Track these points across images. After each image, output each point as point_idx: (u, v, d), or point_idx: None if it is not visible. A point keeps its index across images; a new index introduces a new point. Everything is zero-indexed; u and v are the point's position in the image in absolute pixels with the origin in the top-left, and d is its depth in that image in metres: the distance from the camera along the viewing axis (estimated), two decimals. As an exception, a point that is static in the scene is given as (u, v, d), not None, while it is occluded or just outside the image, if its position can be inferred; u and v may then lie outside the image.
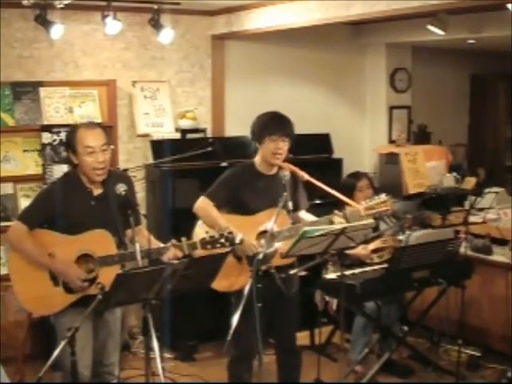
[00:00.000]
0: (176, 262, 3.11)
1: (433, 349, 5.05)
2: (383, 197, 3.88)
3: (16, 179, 4.97)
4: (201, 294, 3.90)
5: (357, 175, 5.01)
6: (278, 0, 4.95)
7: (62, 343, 2.91)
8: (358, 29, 6.42)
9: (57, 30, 4.79)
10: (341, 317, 3.96)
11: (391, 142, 6.59)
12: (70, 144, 3.41)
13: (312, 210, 3.98)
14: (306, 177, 3.91)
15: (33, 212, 3.40)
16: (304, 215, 3.89)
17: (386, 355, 4.51)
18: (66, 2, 4.61)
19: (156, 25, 5.15)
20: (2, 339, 4.61)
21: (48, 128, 4.96)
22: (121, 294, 2.98)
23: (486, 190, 5.32)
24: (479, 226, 5.08)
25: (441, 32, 4.99)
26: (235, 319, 3.43)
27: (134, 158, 5.46)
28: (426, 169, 6.20)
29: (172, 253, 3.35)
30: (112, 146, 3.53)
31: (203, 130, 5.65)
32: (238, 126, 5.63)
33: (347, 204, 4.10)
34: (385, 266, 4.34)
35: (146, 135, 5.42)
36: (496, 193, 5.32)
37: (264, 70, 6.06)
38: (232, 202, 3.77)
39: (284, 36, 5.74)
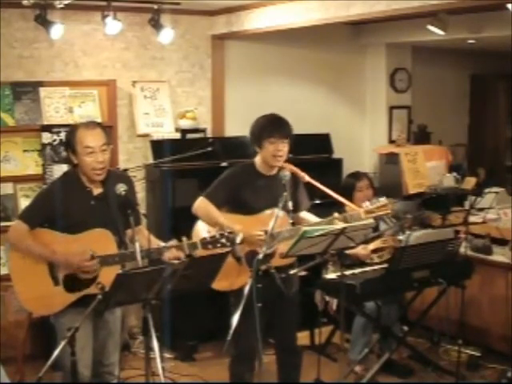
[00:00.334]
0: (176, 261, 3.11)
1: (433, 349, 5.05)
2: (383, 200, 3.89)
3: (16, 179, 4.97)
4: (201, 294, 3.90)
5: (357, 175, 5.01)
6: (278, 0, 4.95)
7: (62, 343, 2.91)
8: (357, 29, 6.42)
9: (57, 30, 4.79)
10: (341, 317, 3.96)
11: (391, 142, 6.59)
12: (69, 144, 3.41)
13: (312, 210, 3.98)
14: (307, 178, 3.91)
15: (33, 211, 3.40)
16: (305, 215, 3.88)
17: (386, 355, 4.51)
18: (66, 2, 4.61)
19: (156, 25, 5.15)
20: (2, 339, 4.61)
21: (48, 128, 4.97)
22: (121, 294, 2.98)
23: (486, 190, 5.32)
24: (479, 225, 5.09)
25: (441, 32, 4.99)
26: (235, 319, 3.43)
27: (134, 158, 5.46)
28: (426, 169, 6.20)
29: (172, 253, 3.35)
30: (111, 146, 3.53)
31: (203, 130, 5.65)
32: (238, 126, 5.63)
33: (347, 206, 4.11)
34: (385, 265, 4.34)
35: (146, 135, 5.43)
36: (496, 193, 5.32)
37: (264, 70, 6.06)
38: (232, 201, 3.77)
39: (284, 36, 5.74)
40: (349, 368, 4.51)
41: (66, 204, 3.33)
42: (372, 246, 4.60)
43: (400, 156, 6.10)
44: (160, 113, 5.51)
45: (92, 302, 3.00)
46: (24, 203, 4.81)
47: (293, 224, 3.66)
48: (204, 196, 3.75)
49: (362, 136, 6.72)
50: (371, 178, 5.16)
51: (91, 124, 3.49)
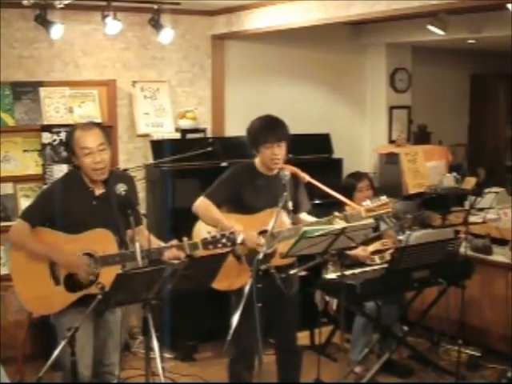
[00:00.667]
0: (176, 261, 3.11)
1: (433, 349, 5.05)
2: (384, 199, 3.88)
3: (16, 179, 4.97)
4: (201, 294, 3.90)
5: (357, 175, 5.01)
6: (278, 0, 4.95)
7: (62, 343, 2.91)
8: (357, 29, 6.42)
9: (57, 30, 4.79)
10: (341, 317, 3.96)
11: (391, 142, 6.59)
12: (68, 146, 3.43)
13: (312, 210, 3.97)
14: (308, 178, 3.91)
15: (35, 210, 3.41)
16: (305, 217, 3.88)
17: (386, 355, 4.51)
18: (66, 2, 4.61)
19: (156, 25, 5.15)
20: (2, 339, 4.61)
21: (48, 128, 4.97)
22: (121, 294, 2.98)
23: (486, 190, 5.32)
24: (479, 225, 5.08)
25: (441, 32, 4.99)
26: (235, 319, 3.43)
27: (134, 158, 5.46)
28: (426, 169, 6.20)
29: (173, 253, 3.35)
30: (110, 145, 3.52)
31: (203, 130, 5.65)
32: (238, 126, 5.61)
33: (348, 205, 4.11)
34: (385, 265, 4.34)
35: (146, 135, 5.43)
36: (496, 193, 5.32)
37: (264, 70, 6.06)
38: (232, 201, 3.77)
39: (284, 36, 5.74)
40: (349, 368, 4.51)
41: (67, 204, 3.34)
42: (371, 247, 4.60)
43: (400, 156, 6.10)
44: (160, 113, 5.51)
45: (92, 301, 3.01)
46: (24, 203, 4.81)
47: (292, 224, 3.67)
48: (204, 195, 3.75)
49: (362, 136, 6.72)
50: (371, 178, 5.16)
51: (88, 125, 3.50)
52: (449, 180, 5.97)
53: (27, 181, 5.00)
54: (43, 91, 5.02)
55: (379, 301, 4.57)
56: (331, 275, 4.44)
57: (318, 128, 6.08)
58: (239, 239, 3.44)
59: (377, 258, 4.55)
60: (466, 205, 5.16)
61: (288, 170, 3.73)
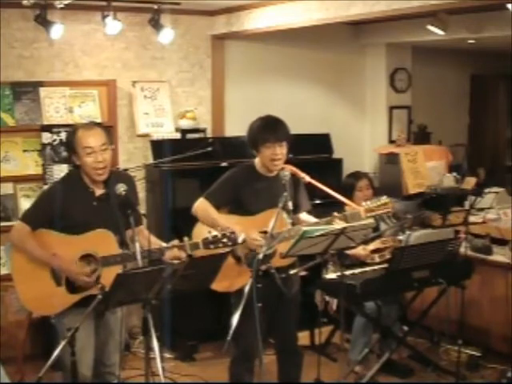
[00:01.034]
0: (176, 261, 3.11)
1: (433, 349, 5.05)
2: (384, 199, 3.88)
3: (16, 179, 4.97)
4: (201, 294, 3.90)
5: (357, 175, 5.01)
6: (278, 0, 4.95)
7: (62, 343, 2.92)
8: (357, 29, 6.42)
9: (57, 30, 4.79)
10: (341, 317, 3.96)
11: (391, 142, 6.59)
12: (69, 145, 3.42)
13: (312, 210, 3.97)
14: (308, 178, 3.90)
15: (35, 212, 3.41)
16: (305, 217, 3.87)
17: (386, 355, 4.51)
18: (66, 2, 4.61)
19: (156, 25, 5.15)
20: (2, 339, 4.62)
21: (48, 128, 4.97)
22: (121, 294, 2.98)
23: (486, 190, 5.32)
24: (479, 225, 5.08)
25: (441, 32, 4.99)
26: (235, 319, 3.43)
27: (134, 158, 5.46)
28: (426, 169, 6.20)
29: (173, 253, 3.34)
30: (112, 146, 3.53)
31: (203, 130, 5.65)
32: (238, 126, 5.62)
33: (348, 205, 4.11)
34: (385, 265, 4.34)
35: (146, 135, 5.43)
36: (496, 193, 5.32)
37: (264, 70, 6.06)
38: (232, 202, 3.77)
39: (284, 36, 5.74)
40: (349, 368, 4.51)
41: (68, 205, 3.34)
42: (372, 246, 4.60)
43: (400, 156, 6.10)
44: (160, 113, 5.51)
45: (93, 302, 3.01)
46: (24, 203, 4.82)
47: (292, 225, 3.66)
48: (204, 197, 3.75)
49: (362, 136, 6.72)
50: (371, 178, 5.16)
51: (90, 125, 3.51)
52: (449, 180, 5.97)
53: (27, 181, 5.00)
54: (43, 91, 5.02)
55: (379, 301, 4.57)
56: (331, 275, 4.44)
57: (318, 128, 6.08)
58: (240, 239, 3.44)
59: (377, 257, 4.55)
60: (466, 205, 5.16)
61: (288, 170, 3.73)
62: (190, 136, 5.53)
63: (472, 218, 5.00)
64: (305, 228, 3.46)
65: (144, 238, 3.37)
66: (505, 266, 4.87)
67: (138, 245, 3.20)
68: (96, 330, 3.45)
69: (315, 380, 4.18)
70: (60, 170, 4.81)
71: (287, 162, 3.81)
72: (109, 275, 3.15)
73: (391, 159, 6.20)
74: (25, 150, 5.02)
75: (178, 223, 4.72)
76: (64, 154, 4.78)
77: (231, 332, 3.44)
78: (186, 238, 3.40)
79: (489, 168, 6.94)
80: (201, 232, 3.65)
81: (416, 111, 6.82)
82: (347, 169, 5.66)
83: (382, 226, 4.80)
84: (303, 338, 4.89)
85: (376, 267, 4.46)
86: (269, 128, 3.70)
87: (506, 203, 5.38)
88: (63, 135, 4.77)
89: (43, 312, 3.51)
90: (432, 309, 4.64)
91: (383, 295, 4.47)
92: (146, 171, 5.35)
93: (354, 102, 6.66)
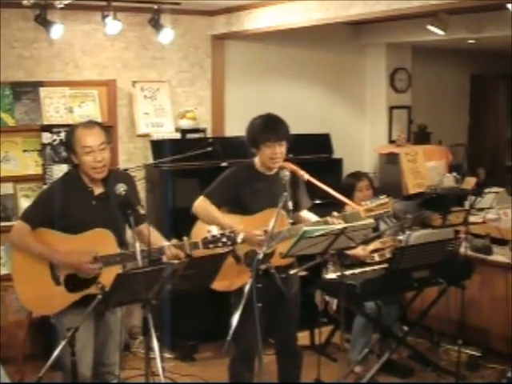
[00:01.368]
0: (176, 261, 3.10)
1: (433, 349, 5.04)
2: (384, 199, 3.88)
3: (16, 179, 4.97)
4: (201, 294, 3.90)
5: (357, 175, 5.01)
6: (278, 0, 4.95)
7: (62, 343, 2.92)
8: (357, 29, 6.42)
9: (57, 30, 4.79)
10: (341, 317, 3.96)
11: (391, 142, 6.59)
12: (68, 144, 3.42)
13: (312, 209, 3.97)
14: (307, 176, 3.90)
15: (35, 212, 3.40)
16: (306, 215, 3.88)
17: (386, 355, 4.51)
18: (66, 2, 4.61)
19: (156, 25, 5.15)
20: (2, 339, 4.62)
21: (48, 128, 4.97)
22: (121, 294, 2.98)
23: (486, 190, 5.32)
24: (479, 225, 5.09)
25: (441, 32, 4.99)
26: (235, 319, 3.43)
27: (134, 158, 5.46)
28: (426, 169, 6.20)
29: (172, 252, 3.34)
30: (111, 145, 3.53)
31: (203, 130, 5.65)
32: (238, 126, 5.59)
33: (347, 205, 4.11)
34: (385, 265, 4.34)
35: (146, 135, 5.43)
36: (496, 193, 5.32)
37: (264, 70, 6.06)
38: (232, 201, 3.77)
39: (284, 36, 5.74)
40: (349, 368, 4.52)
41: (67, 204, 3.33)
42: (371, 246, 4.60)
43: (400, 156, 6.10)
44: (160, 113, 5.51)
45: (93, 302, 3.01)
46: (24, 203, 4.81)
47: (293, 223, 3.66)
48: (204, 196, 3.75)
49: (362, 136, 6.72)
50: (371, 178, 5.16)
51: (89, 123, 3.49)
52: (449, 180, 5.97)
53: (27, 181, 5.00)
54: (43, 91, 5.02)
55: (379, 301, 4.57)
56: (331, 275, 4.44)
57: (318, 128, 6.08)
58: (239, 238, 3.43)
59: (376, 257, 4.55)
60: (466, 205, 5.16)
61: (287, 169, 3.73)
62: (189, 136, 5.53)
63: (472, 218, 5.00)
64: (305, 228, 3.46)
65: (146, 238, 3.35)
66: (505, 266, 4.87)
67: (138, 245, 3.20)
68: (96, 330, 3.44)
69: (315, 380, 4.18)
70: (60, 170, 4.81)
71: (286, 160, 3.81)
72: (108, 275, 3.15)
73: (391, 159, 6.20)
74: (25, 150, 5.02)
75: (178, 223, 4.72)
76: (64, 153, 4.77)
77: (231, 332, 3.44)
78: (185, 238, 3.40)
79: (489, 168, 6.94)
80: (200, 232, 3.65)
81: (416, 111, 6.82)
82: (347, 169, 5.66)
83: (382, 226, 4.80)
84: (303, 338, 4.89)
85: (376, 267, 4.46)
86: (269, 127, 3.69)
87: (506, 203, 5.38)
88: (63, 135, 4.76)
89: (43, 312, 3.51)
90: (432, 309, 4.64)
91: (383, 295, 4.47)
92: (146, 171, 5.35)
93: (354, 101, 6.66)
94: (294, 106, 5.98)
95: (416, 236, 4.25)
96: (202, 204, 3.74)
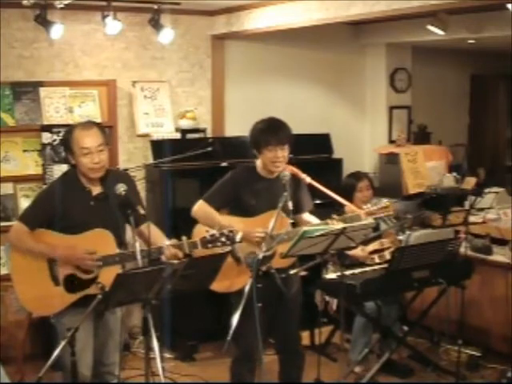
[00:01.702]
0: (176, 261, 3.10)
1: (433, 349, 5.04)
2: (385, 202, 3.89)
3: (16, 179, 4.97)
4: (201, 294, 3.90)
5: (357, 176, 5.01)
6: (278, 0, 4.95)
7: (62, 343, 2.92)
8: (357, 29, 6.42)
9: (57, 30, 4.79)
10: (341, 317, 3.96)
11: (391, 142, 6.59)
12: (66, 144, 3.41)
13: (313, 210, 3.97)
14: (308, 180, 3.90)
15: (33, 213, 3.40)
16: (307, 217, 3.87)
17: (386, 355, 4.51)
18: (66, 2, 4.61)
19: (156, 25, 5.15)
20: (2, 339, 4.62)
21: (48, 128, 4.96)
22: (121, 294, 2.98)
23: (486, 190, 5.32)
24: (479, 225, 5.08)
25: (441, 32, 4.99)
26: (235, 319, 3.43)
27: (134, 158, 5.46)
28: (426, 169, 6.20)
29: (170, 251, 3.34)
30: (109, 146, 3.52)
31: (203, 130, 5.65)
32: (238, 126, 5.63)
33: (348, 207, 4.11)
34: (385, 265, 4.34)
35: (146, 135, 5.43)
36: (496, 193, 5.32)
37: (264, 70, 6.06)
38: (232, 204, 3.76)
39: (284, 36, 5.74)
40: (349, 368, 4.52)
41: (65, 205, 3.33)
42: (370, 247, 4.60)
43: (400, 156, 6.10)
44: (160, 113, 5.51)
45: (92, 302, 3.01)
46: (24, 203, 4.81)
47: (293, 224, 3.66)
48: (203, 199, 3.74)
49: (362, 136, 6.72)
50: (371, 178, 5.16)
51: (88, 124, 3.47)
52: (449, 180, 5.98)
53: (27, 181, 5.00)
54: (43, 91, 5.02)
55: (379, 301, 4.57)
56: (331, 275, 4.44)
57: (318, 128, 6.08)
58: (238, 237, 3.43)
59: (376, 258, 4.55)
60: (466, 205, 5.16)
61: (288, 171, 3.73)
62: (190, 136, 5.53)
63: (472, 218, 5.00)
64: (305, 228, 3.46)
65: (151, 235, 3.34)
66: (505, 266, 4.87)
67: (137, 245, 3.20)
68: (95, 330, 3.44)
69: (315, 380, 4.18)
70: (60, 170, 4.80)
71: (288, 163, 3.81)
72: (107, 275, 3.15)
73: (391, 159, 6.20)
74: (25, 150, 5.02)
75: (178, 223, 4.72)
76: (64, 153, 4.77)
77: (231, 332, 3.44)
78: (184, 237, 3.40)
79: (489, 168, 6.94)
80: (201, 233, 3.65)
81: (416, 111, 6.82)
82: (347, 169, 5.66)
83: (382, 226, 4.80)
84: (303, 338, 4.88)
85: (376, 267, 4.46)
86: (271, 131, 3.68)
87: (506, 203, 5.38)
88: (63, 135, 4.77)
89: (42, 312, 3.51)
90: (432, 309, 4.64)
91: (383, 295, 4.48)
92: (146, 171, 5.35)
93: (354, 101, 6.66)
94: (293, 106, 5.98)
95: (416, 236, 4.25)
96: (201, 207, 3.73)
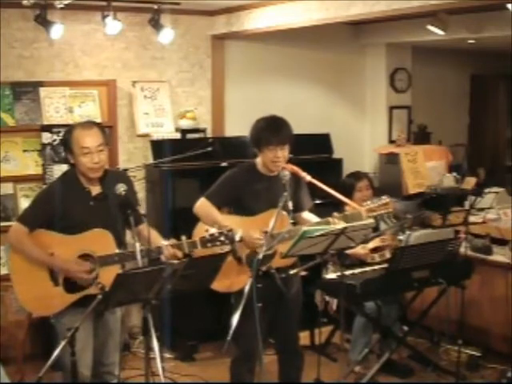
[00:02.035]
0: (176, 261, 3.11)
1: (433, 349, 5.05)
2: (385, 199, 3.88)
3: (16, 179, 4.97)
4: (201, 294, 3.90)
5: (357, 175, 5.01)
6: (278, 0, 4.95)
7: (62, 343, 2.91)
8: (357, 29, 6.42)
9: (57, 30, 4.79)
10: (341, 317, 3.96)
11: (391, 142, 6.59)
12: (66, 144, 3.42)
13: (312, 209, 3.97)
14: (309, 178, 3.90)
15: (32, 213, 3.40)
16: (307, 216, 3.87)
17: (385, 355, 4.51)
18: (66, 2, 4.61)
19: (156, 25, 5.15)
20: (2, 339, 4.62)
21: (48, 128, 4.96)
22: (120, 294, 2.98)
23: (486, 190, 5.32)
24: (479, 225, 5.08)
25: (441, 32, 4.99)
26: (235, 319, 3.43)
27: (134, 158, 5.46)
28: (426, 169, 6.20)
29: (170, 251, 3.34)
30: (109, 146, 3.52)
31: (203, 130, 5.65)
32: (238, 126, 5.63)
33: (348, 205, 4.11)
34: (385, 265, 4.34)
35: (146, 135, 5.43)
36: (496, 193, 5.32)
37: (264, 70, 6.06)
38: (233, 202, 3.76)
39: (284, 36, 5.74)
40: (349, 368, 4.51)
41: (65, 205, 3.33)
42: (371, 244, 4.60)
43: (400, 156, 6.10)
44: (160, 113, 5.51)
45: (92, 302, 3.01)
46: (24, 203, 4.81)
47: (293, 224, 3.66)
48: (205, 197, 3.74)
49: (362, 136, 6.72)
50: (371, 178, 5.16)
51: (88, 124, 3.48)
52: (449, 180, 5.97)
53: (27, 181, 5.00)
54: (43, 91, 5.02)
55: (379, 301, 4.57)
56: (331, 275, 4.44)
57: (318, 128, 6.07)
58: (237, 237, 3.43)
59: (377, 256, 4.55)
60: (466, 205, 5.16)
61: (288, 170, 3.73)
62: (190, 136, 5.53)
63: (472, 218, 5.00)
64: (305, 228, 3.46)
65: (147, 236, 3.35)
66: (505, 266, 4.87)
67: (137, 244, 3.20)
68: (95, 329, 3.44)
69: (315, 380, 4.18)
70: (60, 170, 4.79)
71: (288, 161, 3.81)
72: (108, 275, 3.15)
73: (391, 159, 6.20)
74: (25, 150, 5.02)
75: (178, 223, 4.72)
76: (64, 153, 4.76)
77: (231, 332, 3.44)
78: (183, 237, 3.40)
79: (489, 168, 6.94)
80: (201, 233, 3.66)
81: (416, 111, 6.82)
82: (347, 169, 5.66)
83: (382, 226, 4.79)
84: (303, 338, 4.87)
85: (376, 267, 4.46)
86: (272, 130, 3.67)
87: (506, 203, 5.38)
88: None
89: (42, 312, 3.50)
90: (432, 309, 4.64)
91: (383, 295, 4.48)
92: (146, 171, 5.35)
93: (354, 101, 6.66)
94: (293, 106, 5.98)
95: (416, 236, 4.25)
96: (202, 205, 3.73)
